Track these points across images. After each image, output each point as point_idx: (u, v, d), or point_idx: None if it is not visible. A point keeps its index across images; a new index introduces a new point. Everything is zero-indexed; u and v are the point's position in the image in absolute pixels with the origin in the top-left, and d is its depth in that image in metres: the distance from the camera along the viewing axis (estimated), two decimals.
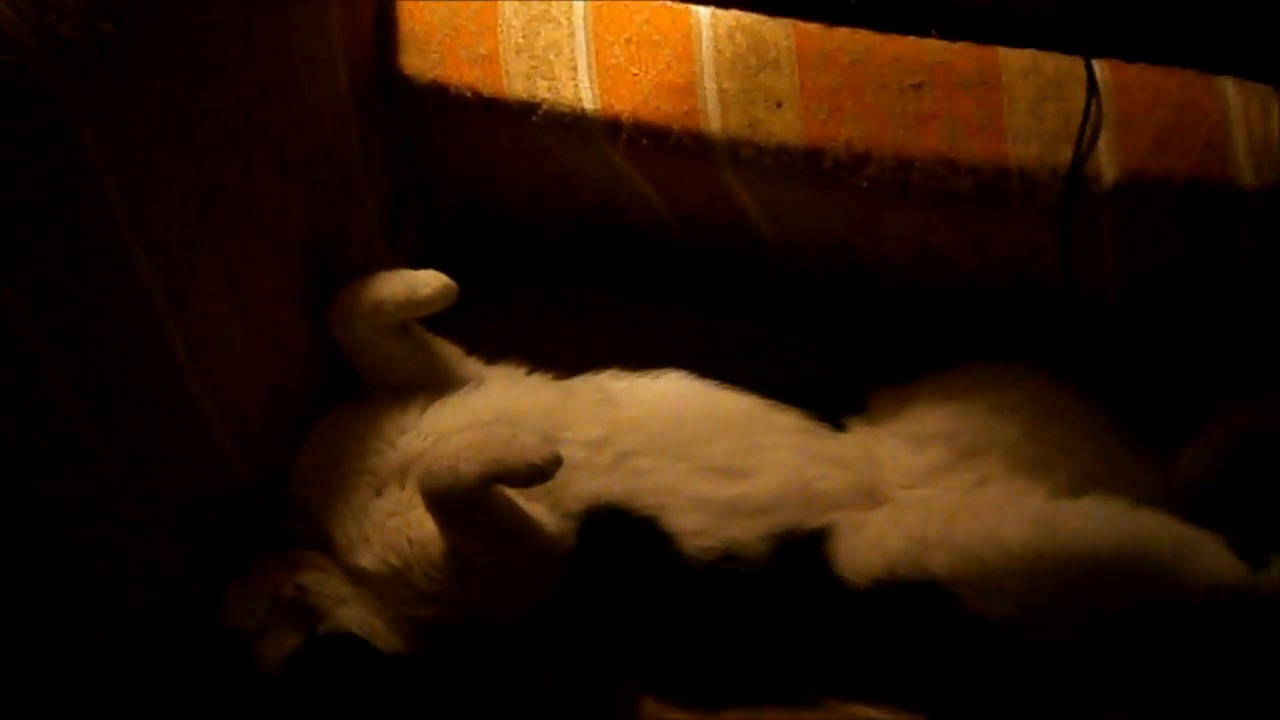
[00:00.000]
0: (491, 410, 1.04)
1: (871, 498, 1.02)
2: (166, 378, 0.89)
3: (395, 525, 0.99)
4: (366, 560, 0.99)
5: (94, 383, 0.82)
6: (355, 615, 0.97)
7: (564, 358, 1.11)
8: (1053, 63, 0.96)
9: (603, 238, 1.23)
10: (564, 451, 0.95)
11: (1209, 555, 0.94)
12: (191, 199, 0.89)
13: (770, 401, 1.05)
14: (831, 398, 1.07)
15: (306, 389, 1.07)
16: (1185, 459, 1.07)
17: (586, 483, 1.00)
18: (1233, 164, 0.91)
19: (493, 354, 1.12)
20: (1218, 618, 0.95)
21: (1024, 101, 0.95)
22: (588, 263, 1.26)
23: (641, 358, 1.10)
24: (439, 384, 1.07)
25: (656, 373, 1.08)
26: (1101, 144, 0.93)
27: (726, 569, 0.98)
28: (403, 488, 1.00)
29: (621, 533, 0.99)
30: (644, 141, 1.04)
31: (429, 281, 1.04)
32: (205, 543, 0.97)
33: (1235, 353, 1.07)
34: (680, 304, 1.23)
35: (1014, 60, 0.96)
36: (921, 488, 1.03)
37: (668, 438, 1.02)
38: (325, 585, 0.98)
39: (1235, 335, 1.05)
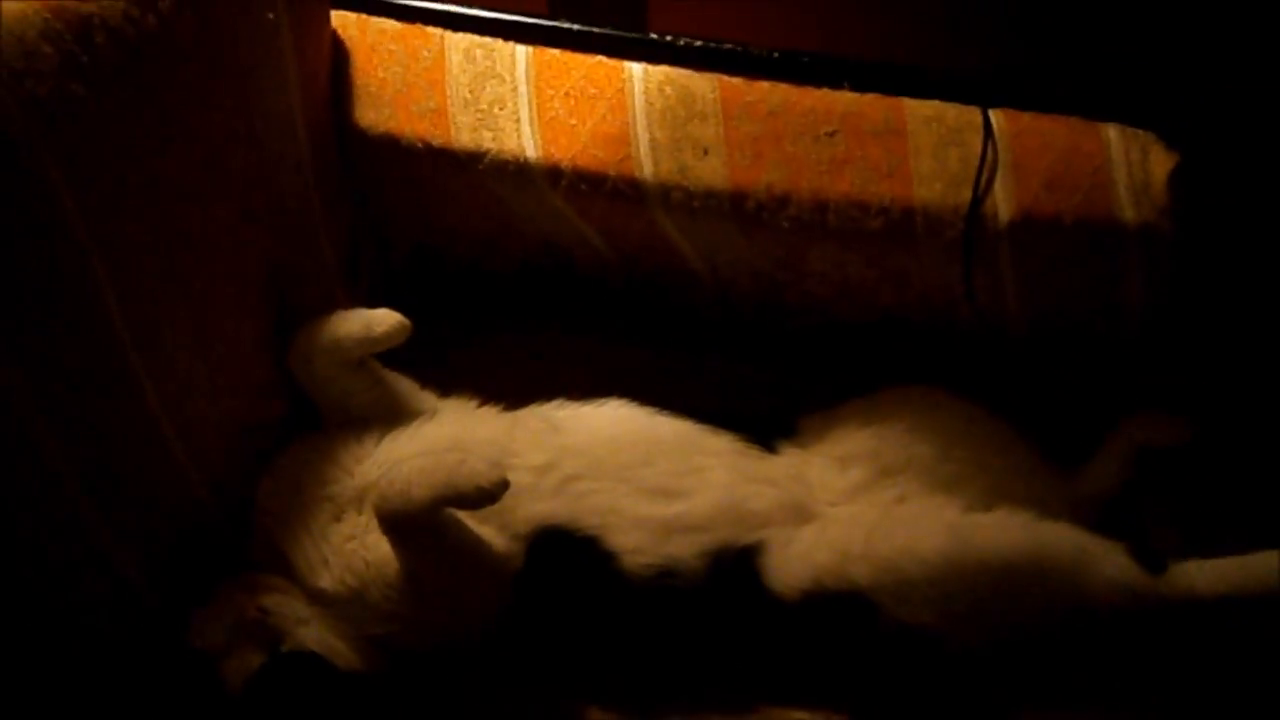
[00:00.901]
0: (444, 439, 1.10)
1: (800, 515, 1.08)
2: (133, 410, 0.94)
3: (353, 548, 1.04)
4: (326, 582, 1.04)
5: (64, 412, 0.87)
6: (315, 635, 1.02)
7: (512, 391, 1.16)
8: (953, 112, 1.04)
9: (549, 278, 1.30)
10: (511, 476, 1.00)
11: (1110, 563, 1.01)
12: (158, 246, 0.95)
13: (706, 426, 1.11)
14: (764, 423, 1.13)
15: (268, 422, 1.12)
16: (1089, 473, 1.15)
17: (533, 505, 1.05)
18: (1115, 202, 1.00)
19: (445, 388, 1.17)
20: (1121, 622, 1.02)
21: (928, 147, 1.03)
22: (535, 301, 1.32)
23: (585, 389, 1.15)
24: (394, 416, 1.13)
25: (599, 402, 1.13)
26: (997, 185, 1.02)
27: (665, 584, 1.03)
28: (360, 513, 1.05)
29: (566, 552, 1.05)
30: (583, 187, 1.11)
31: (384, 319, 1.10)
32: (169, 566, 1.01)
33: (1133, 373, 1.15)
34: (622, 339, 1.29)
35: (918, 110, 1.05)
36: (846, 504, 1.09)
37: (609, 462, 1.08)
38: (286, 606, 1.02)
39: (1132, 357, 1.13)
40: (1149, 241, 1.00)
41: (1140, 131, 1.01)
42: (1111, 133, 1.02)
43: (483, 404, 1.16)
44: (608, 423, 1.13)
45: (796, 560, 1.04)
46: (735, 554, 1.05)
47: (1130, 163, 1.00)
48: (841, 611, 1.03)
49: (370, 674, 1.03)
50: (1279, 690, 1.03)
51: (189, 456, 1.01)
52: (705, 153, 1.08)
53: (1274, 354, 1.11)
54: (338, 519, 1.06)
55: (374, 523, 1.01)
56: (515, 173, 1.13)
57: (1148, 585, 1.01)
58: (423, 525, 0.99)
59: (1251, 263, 1.05)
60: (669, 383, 1.23)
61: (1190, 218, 1.00)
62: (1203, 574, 1.02)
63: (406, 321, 1.10)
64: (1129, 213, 1.00)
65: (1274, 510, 1.12)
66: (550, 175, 1.12)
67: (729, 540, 1.05)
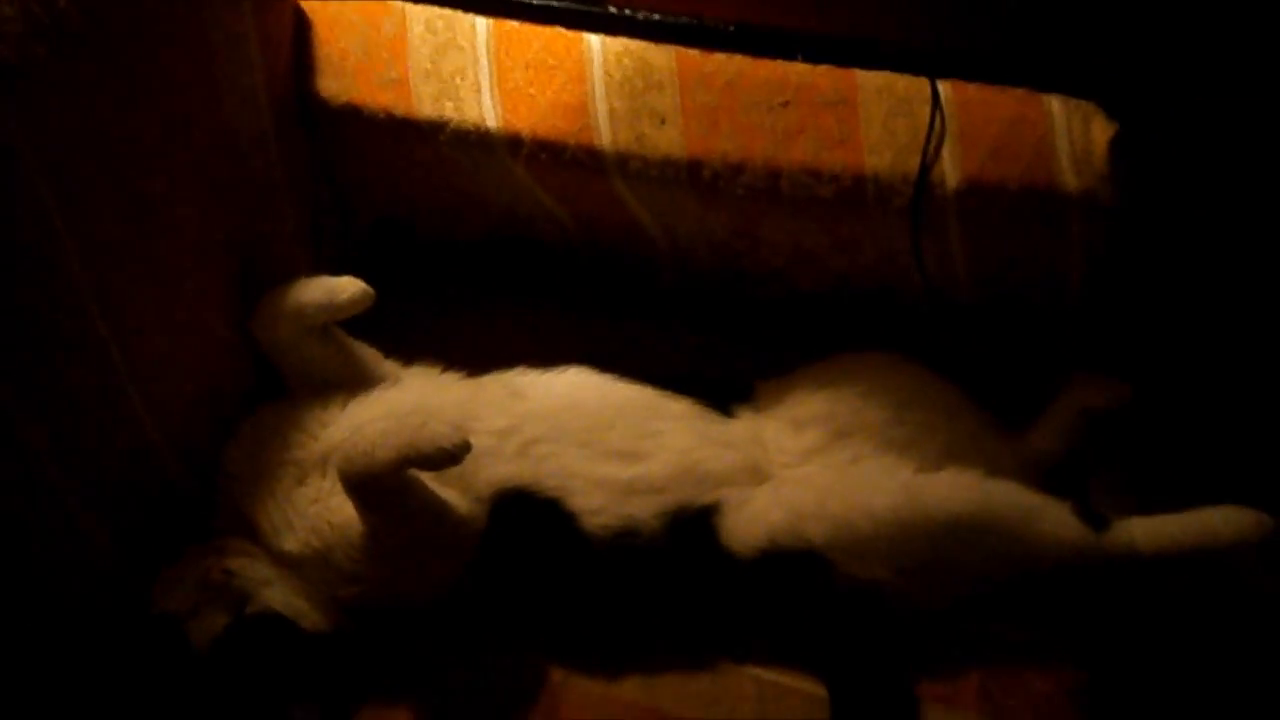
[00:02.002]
0: (407, 404, 1.11)
1: (756, 476, 1.10)
2: (98, 374, 0.95)
3: (317, 511, 1.05)
4: (290, 544, 1.05)
5: (29, 376, 0.88)
6: (280, 596, 1.03)
7: (476, 359, 1.18)
8: (902, 83, 1.07)
9: (512, 248, 1.31)
10: (473, 440, 1.02)
11: (1054, 520, 1.05)
12: (123, 212, 0.96)
13: (665, 392, 1.13)
14: (721, 388, 1.16)
15: (233, 389, 1.14)
16: (1035, 435, 1.18)
17: (495, 468, 1.07)
18: (1058, 170, 1.03)
19: (409, 356, 1.19)
20: (1067, 576, 1.06)
21: (878, 117, 1.06)
22: (498, 270, 1.33)
23: (547, 356, 1.17)
24: (358, 383, 1.14)
25: (560, 369, 1.15)
26: (945, 154, 1.04)
27: (625, 544, 1.06)
28: (324, 477, 1.06)
29: (528, 513, 1.07)
30: (543, 156, 1.13)
31: (347, 287, 1.12)
32: (135, 529, 1.03)
33: (1077, 337, 1.18)
34: (583, 307, 1.31)
35: (869, 81, 1.07)
36: (801, 466, 1.11)
37: (570, 426, 1.09)
38: (251, 569, 1.04)
39: (1075, 321, 1.16)
40: (1090, 208, 1.03)
41: (1082, 102, 1.04)
42: (1054, 103, 1.04)
43: (446, 371, 1.17)
44: (568, 388, 1.15)
45: (752, 520, 1.07)
46: (693, 514, 1.07)
47: (1072, 132, 1.03)
48: (797, 569, 1.05)
49: (335, 634, 1.05)
50: (1212, 645, 1.08)
51: (154, 421, 1.03)
52: (662, 122, 1.10)
53: (1210, 318, 1.15)
54: (302, 483, 1.08)
55: (338, 486, 1.03)
56: (476, 142, 1.14)
57: (1091, 541, 1.05)
58: (386, 487, 1.01)
59: (1188, 228, 1.09)
60: (630, 350, 1.25)
61: (1130, 185, 1.03)
62: (1143, 530, 1.06)
63: (369, 289, 1.12)
64: (1071, 180, 1.03)
65: (1210, 469, 1.16)
66: (511, 144, 1.14)
67: (687, 500, 1.07)
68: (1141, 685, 1.08)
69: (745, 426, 1.14)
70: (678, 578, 1.08)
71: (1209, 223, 1.08)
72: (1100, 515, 1.06)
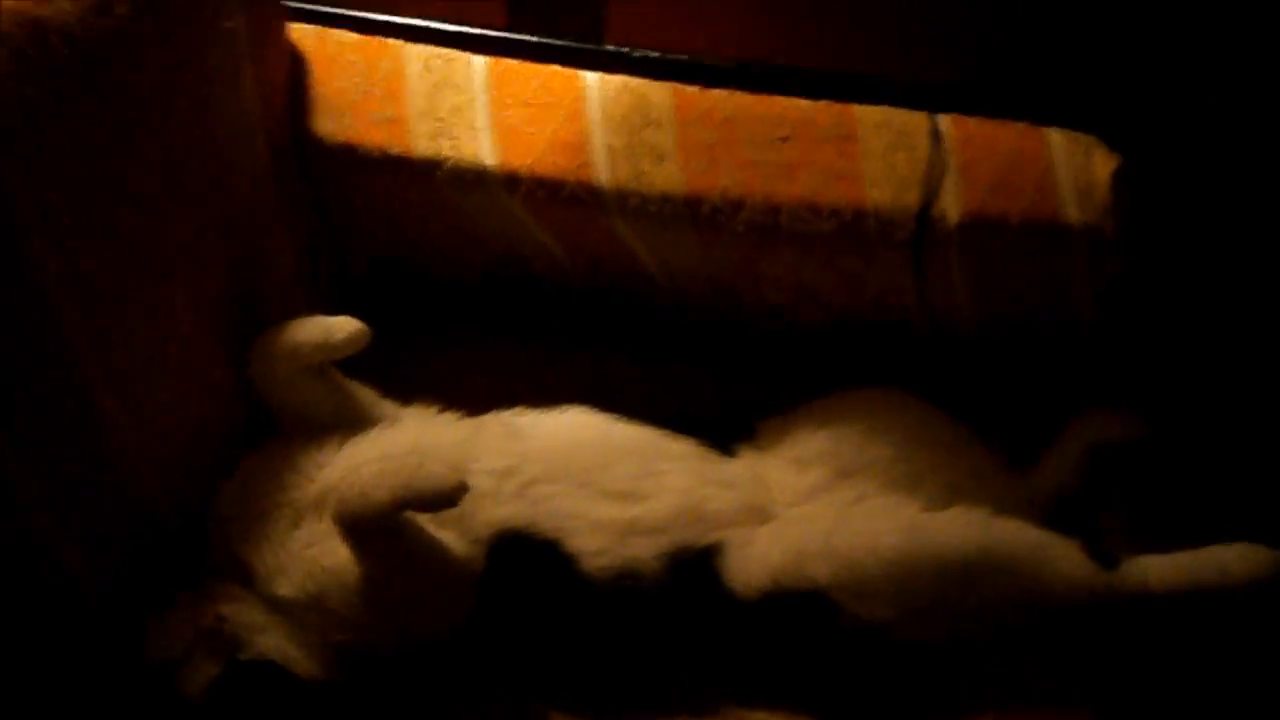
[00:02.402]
0: (404, 445, 1.10)
1: (759, 516, 1.09)
2: (86, 414, 0.94)
3: (312, 555, 1.03)
4: (285, 589, 1.03)
5: (17, 417, 0.87)
6: (273, 643, 1.01)
7: (474, 398, 1.16)
8: (902, 117, 1.06)
9: (510, 286, 1.30)
10: (472, 481, 1.01)
11: (1063, 558, 1.03)
12: (116, 254, 0.95)
13: (665, 431, 1.12)
14: (722, 427, 1.15)
15: (227, 430, 1.12)
16: (1042, 472, 1.16)
17: (494, 510, 1.05)
18: (1060, 203, 1.02)
19: (406, 396, 1.18)
20: (1074, 617, 1.04)
21: (878, 151, 1.06)
22: (497, 310, 1.32)
23: (546, 396, 1.16)
24: (354, 423, 1.13)
25: (559, 409, 1.14)
26: (946, 188, 1.04)
27: (626, 586, 1.04)
28: (319, 519, 1.04)
29: (527, 556, 1.05)
30: (540, 194, 1.13)
31: (344, 326, 1.11)
32: (125, 571, 1.00)
33: (1084, 371, 1.17)
34: (583, 345, 1.30)
35: (868, 115, 1.07)
36: (804, 505, 1.10)
37: (569, 466, 1.08)
38: (244, 614, 1.01)
39: (1082, 355, 1.15)
40: (1093, 241, 1.02)
41: (1083, 135, 1.04)
42: (1055, 136, 1.04)
43: (444, 411, 1.16)
44: (568, 428, 1.13)
45: (755, 560, 1.05)
46: (694, 555, 1.05)
47: (1074, 165, 1.03)
48: (801, 610, 1.03)
49: (330, 681, 1.03)
50: (1226, 683, 1.06)
51: (147, 465, 1.01)
52: (661, 159, 1.09)
53: (1217, 349, 1.14)
54: (296, 525, 1.06)
55: (333, 529, 1.01)
56: (473, 181, 1.14)
57: (1101, 580, 1.03)
58: (382, 529, 0.99)
59: (1193, 260, 1.08)
60: (629, 390, 1.24)
61: (1133, 217, 1.03)
62: (1155, 569, 1.04)
63: (366, 328, 1.11)
64: (1073, 213, 1.02)
65: (1223, 505, 1.15)
66: (508, 183, 1.13)
67: (688, 541, 1.05)
68: None
69: (747, 466, 1.12)
70: (680, 620, 1.06)
71: (1215, 253, 1.08)
72: (1110, 553, 1.04)
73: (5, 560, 0.90)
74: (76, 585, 0.97)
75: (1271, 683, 1.07)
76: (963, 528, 1.04)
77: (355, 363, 1.13)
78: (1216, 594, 1.03)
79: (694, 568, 1.05)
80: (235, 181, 1.12)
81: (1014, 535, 1.04)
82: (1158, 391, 1.18)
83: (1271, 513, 1.12)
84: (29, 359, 0.88)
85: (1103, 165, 1.02)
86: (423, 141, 1.14)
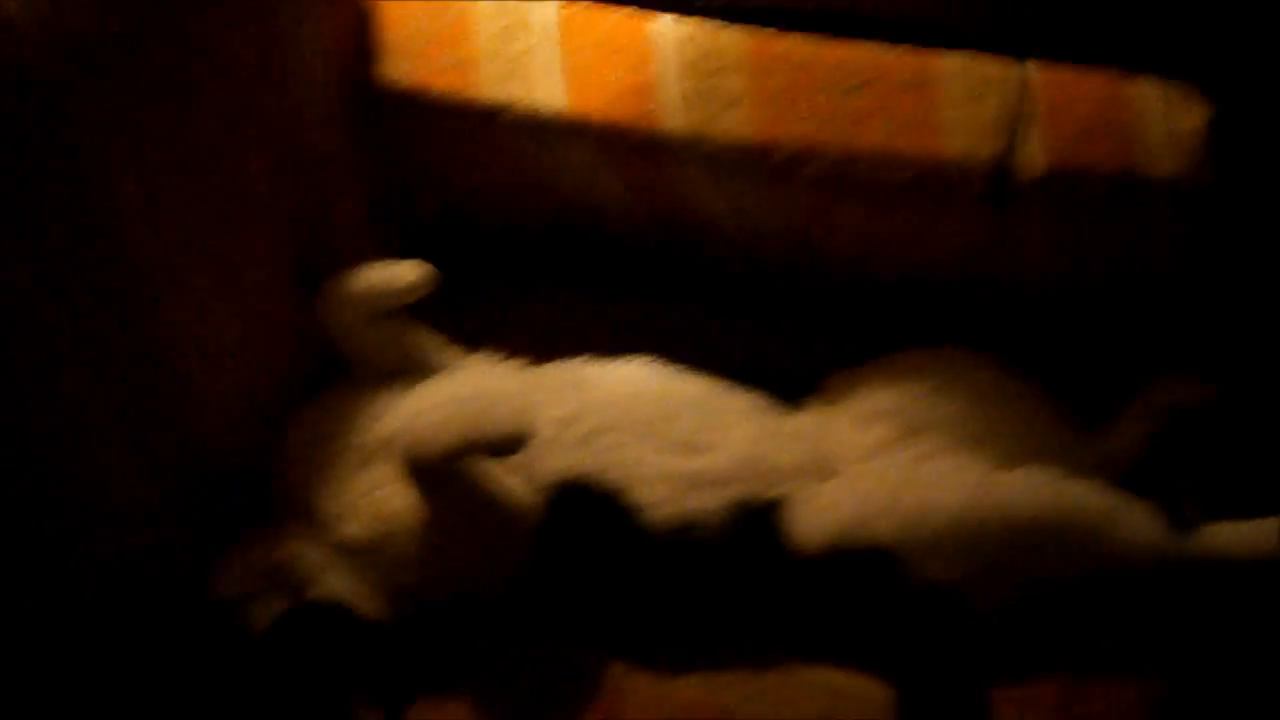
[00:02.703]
0: (470, 391, 1.10)
1: (823, 470, 1.07)
2: (161, 355, 0.95)
3: (377, 498, 1.04)
4: (351, 530, 1.04)
5: (92, 344, 0.88)
6: (339, 583, 1.02)
7: (539, 348, 1.16)
8: (984, 64, 1.03)
9: (578, 235, 1.29)
10: (535, 428, 1.01)
11: (1136, 521, 1.00)
12: (190, 190, 0.96)
13: (731, 384, 1.11)
14: (788, 381, 1.13)
15: (295, 372, 1.13)
16: (1114, 435, 1.13)
17: (556, 457, 1.05)
18: (1149, 156, 0.98)
19: (472, 343, 1.18)
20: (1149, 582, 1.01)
21: (958, 99, 1.02)
22: (565, 259, 1.31)
23: (611, 346, 1.15)
24: (421, 369, 1.14)
25: (624, 359, 1.13)
26: (1029, 138, 1.00)
27: (687, 538, 1.03)
28: (385, 463, 1.05)
29: (587, 505, 1.05)
30: (609, 140, 1.11)
31: (411, 271, 1.11)
32: (194, 509, 1.02)
33: (1163, 333, 1.14)
34: (649, 297, 1.28)
35: (949, 62, 1.03)
36: (870, 461, 1.08)
37: (633, 416, 1.08)
38: (310, 555, 1.02)
39: (1161, 316, 1.12)
40: (1181, 195, 0.98)
41: (1175, 83, 0.99)
42: (1145, 85, 1.00)
43: (508, 359, 1.16)
44: (632, 379, 1.13)
45: (819, 515, 1.04)
46: (757, 508, 1.04)
47: (1165, 115, 0.98)
48: (864, 567, 1.02)
49: (394, 623, 1.04)
50: None
51: (217, 403, 1.02)
52: (733, 105, 1.07)
53: None
54: (362, 468, 1.06)
55: (398, 473, 1.02)
56: (541, 126, 1.13)
57: (1174, 545, 1.00)
58: (446, 473, 1.00)
59: None
60: (696, 342, 1.22)
61: (1225, 172, 0.98)
62: (1229, 536, 1.01)
63: (433, 272, 1.11)
64: (1163, 166, 0.98)
65: None
66: (577, 128, 1.12)
67: (751, 494, 1.04)
68: (1225, 696, 1.04)
69: (813, 420, 1.11)
70: (741, 573, 1.05)
71: None
72: (1184, 518, 1.02)
73: (80, 495, 0.92)
74: (152, 522, 0.98)
75: None
76: (1032, 487, 1.02)
77: (422, 309, 1.13)
78: None
79: (757, 521, 1.04)
80: (304, 127, 1.12)
81: (1085, 496, 1.01)
82: (1235, 356, 1.14)
83: None
84: (106, 290, 0.89)
85: (1195, 116, 0.98)
86: (491, 85, 1.13)
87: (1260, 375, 1.13)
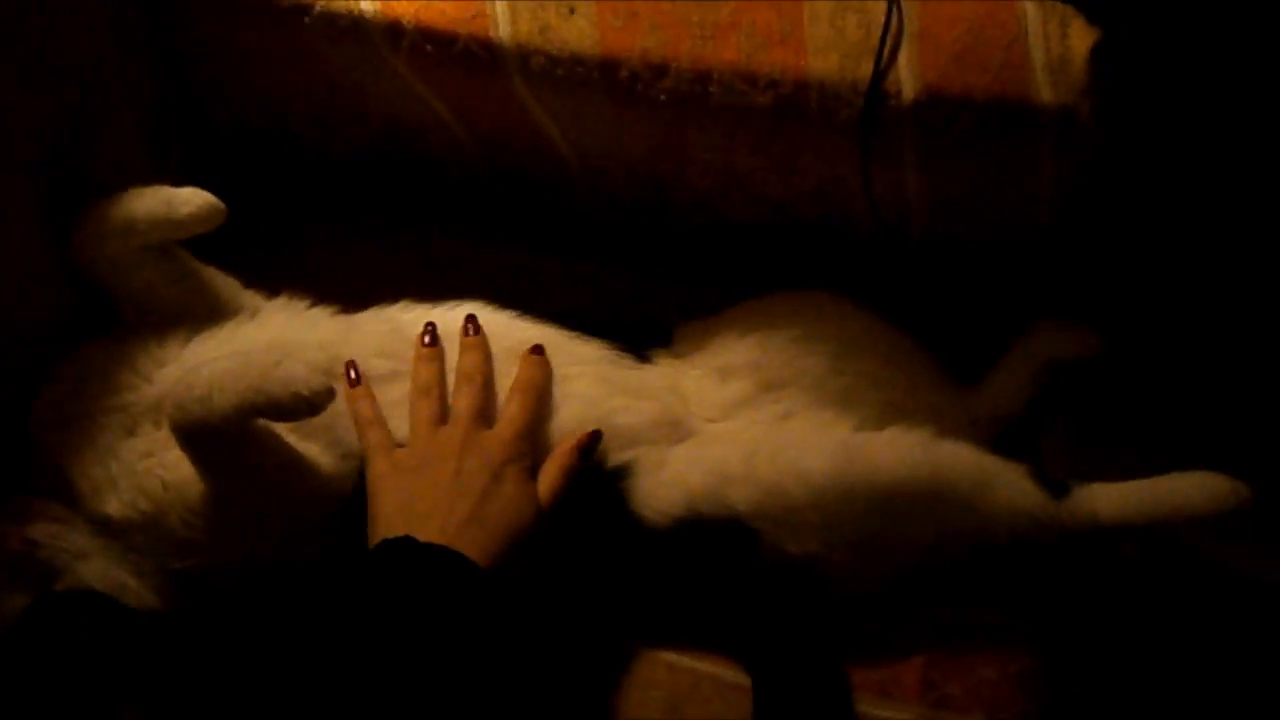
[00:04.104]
0: (262, 342, 0.95)
1: (675, 432, 0.97)
2: None
3: (148, 467, 0.89)
4: (113, 507, 0.89)
5: None
6: (98, 570, 0.87)
7: (356, 293, 1.02)
8: None
9: (399, 163, 1.15)
10: (343, 385, 0.90)
11: (1011, 486, 0.92)
12: None
13: (573, 333, 0.99)
14: (637, 330, 1.02)
15: (49, 321, 0.96)
16: (990, 389, 1.06)
17: None
18: (1031, 81, 0.89)
19: (275, 287, 1.03)
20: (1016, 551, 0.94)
21: (825, 13, 0.91)
22: (384, 191, 1.17)
23: (438, 290, 1.02)
24: (207, 316, 0.98)
25: (452, 304, 1.00)
26: (902, 58, 0.90)
27: None
28: (158, 426, 0.90)
29: None
30: (428, 49, 0.96)
31: (190, 199, 0.94)
32: None
33: (1041, 281, 1.07)
34: (481, 235, 1.16)
35: None
36: (725, 421, 0.99)
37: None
38: (62, 538, 0.87)
39: (1041, 259, 1.04)
40: (1065, 125, 0.89)
41: (1058, 4, 0.90)
42: (1027, 5, 0.90)
43: (316, 305, 1.01)
44: (460, 327, 0.99)
45: (669, 483, 0.93)
46: (600, 475, 0.93)
47: (1048, 38, 0.89)
48: (718, 540, 0.92)
49: (169, 612, 0.89)
50: (1167, 623, 1.00)
51: None
52: (571, 11, 0.93)
53: (1189, 261, 1.04)
54: (131, 433, 0.91)
55: (171, 439, 0.86)
56: (349, 29, 0.97)
57: (1050, 511, 0.93)
58: (228, 439, 0.85)
59: (1174, 153, 0.96)
60: (536, 288, 1.11)
61: (1110, 101, 0.90)
62: (1107, 499, 0.94)
63: (219, 204, 0.95)
64: (1045, 93, 0.89)
65: (1179, 430, 1.06)
66: (389, 34, 0.96)
67: (594, 459, 0.93)
68: (1094, 669, 0.99)
69: (663, 374, 1.00)
70: (580, 547, 0.94)
71: (1198, 147, 0.96)
72: (1059, 481, 0.94)
73: None
74: None
75: (1223, 616, 1.01)
76: (901, 450, 0.92)
77: (215, 247, 0.98)
78: (1173, 526, 0.94)
79: (599, 489, 0.93)
80: (65, 30, 0.94)
81: (957, 460, 0.93)
82: (1114, 306, 1.07)
83: (1231, 438, 1.04)
84: None
85: (1080, 39, 0.89)
86: None
87: (1139, 326, 1.07)
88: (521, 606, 0.85)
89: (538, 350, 0.96)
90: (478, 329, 0.96)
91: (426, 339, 0.95)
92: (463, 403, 0.92)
